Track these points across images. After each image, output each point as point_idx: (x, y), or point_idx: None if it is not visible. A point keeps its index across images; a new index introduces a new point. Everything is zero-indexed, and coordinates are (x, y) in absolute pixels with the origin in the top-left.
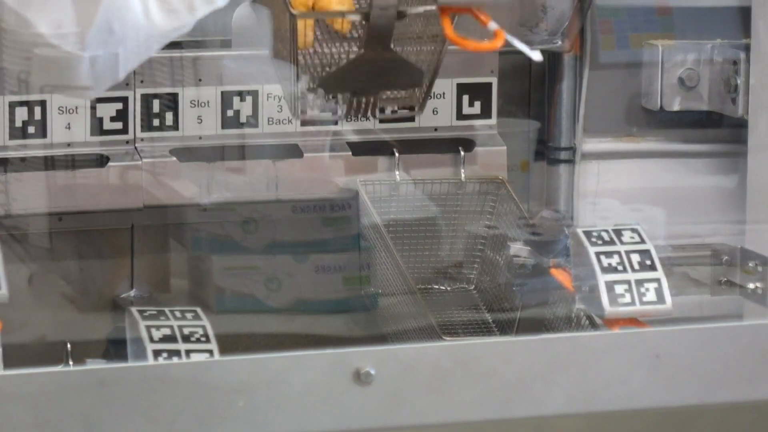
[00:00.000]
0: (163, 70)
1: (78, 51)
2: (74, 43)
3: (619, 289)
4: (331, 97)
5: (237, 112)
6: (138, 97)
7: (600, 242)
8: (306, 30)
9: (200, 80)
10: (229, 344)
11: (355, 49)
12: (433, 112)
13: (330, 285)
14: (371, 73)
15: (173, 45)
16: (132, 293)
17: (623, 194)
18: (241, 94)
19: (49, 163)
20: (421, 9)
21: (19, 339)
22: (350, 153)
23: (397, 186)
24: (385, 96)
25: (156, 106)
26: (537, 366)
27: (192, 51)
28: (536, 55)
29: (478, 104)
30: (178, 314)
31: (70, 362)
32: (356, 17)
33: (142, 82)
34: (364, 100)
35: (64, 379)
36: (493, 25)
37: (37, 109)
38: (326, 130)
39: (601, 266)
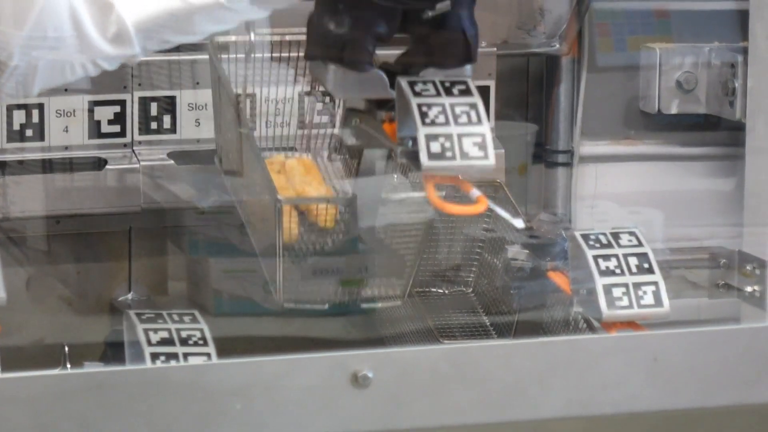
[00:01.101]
0: (160, 72)
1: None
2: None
3: (617, 292)
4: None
5: None
6: (136, 100)
7: (598, 245)
8: (291, 224)
9: (198, 83)
10: (227, 347)
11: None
12: None
13: (327, 288)
14: (355, 263)
15: (171, 48)
16: (130, 296)
17: (621, 197)
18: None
19: (47, 166)
20: (404, 195)
21: (17, 342)
22: (348, 156)
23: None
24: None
25: (154, 109)
26: (535, 369)
27: (189, 54)
28: (518, 223)
29: None
30: (175, 317)
31: (68, 365)
32: (342, 203)
33: (139, 85)
34: (348, 290)
35: (62, 383)
36: (475, 193)
37: (35, 112)
38: (324, 134)
39: (598, 269)
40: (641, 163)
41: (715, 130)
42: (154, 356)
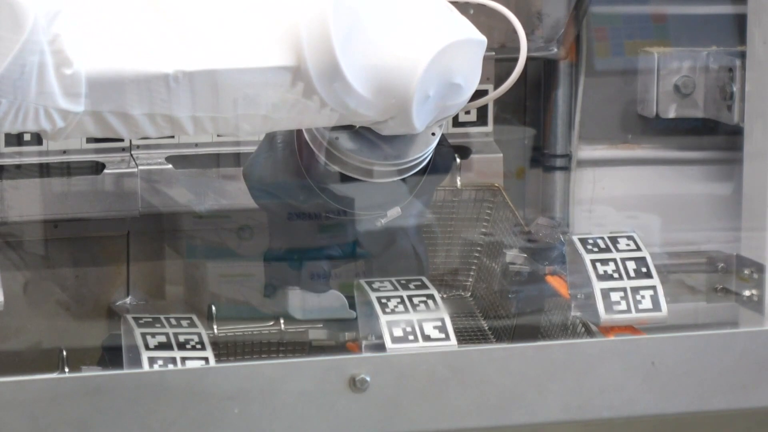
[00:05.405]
0: None
1: None
2: None
3: (615, 296)
4: None
5: None
6: None
7: (596, 249)
8: None
9: None
10: (225, 351)
11: None
12: None
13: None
14: None
15: None
16: (128, 300)
17: (619, 201)
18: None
19: (45, 171)
20: None
21: (14, 346)
22: None
23: None
24: None
25: None
26: (532, 373)
27: None
28: None
29: (474, 112)
30: (173, 321)
31: (66, 369)
32: None
33: None
34: None
35: (60, 386)
36: None
37: None
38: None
39: (596, 274)
40: (639, 167)
41: (713, 134)
42: (152, 360)
